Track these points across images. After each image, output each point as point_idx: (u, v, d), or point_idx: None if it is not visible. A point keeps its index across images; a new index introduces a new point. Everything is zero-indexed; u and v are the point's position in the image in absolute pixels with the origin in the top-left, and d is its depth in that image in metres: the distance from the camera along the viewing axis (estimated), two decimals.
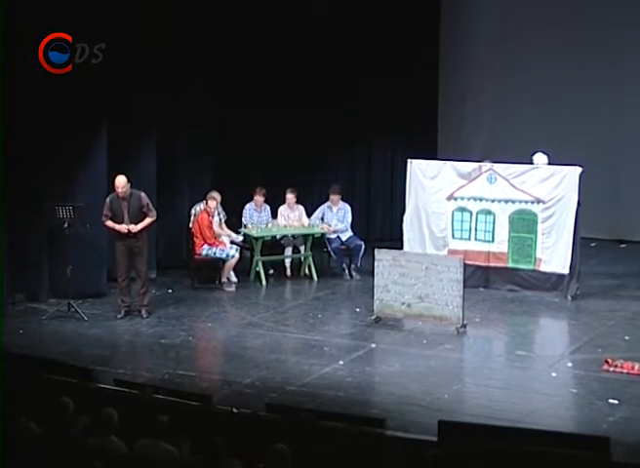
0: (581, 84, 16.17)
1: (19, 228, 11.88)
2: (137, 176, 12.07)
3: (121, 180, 11.32)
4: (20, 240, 11.93)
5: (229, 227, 13.81)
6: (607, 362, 9.58)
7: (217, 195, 13.28)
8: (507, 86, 16.79)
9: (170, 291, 12.98)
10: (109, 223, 11.42)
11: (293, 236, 13.90)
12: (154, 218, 11.61)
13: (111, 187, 11.64)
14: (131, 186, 11.42)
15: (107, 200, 11.45)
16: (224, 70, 14.54)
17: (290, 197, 13.98)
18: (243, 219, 14.00)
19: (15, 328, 10.96)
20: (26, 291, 12.16)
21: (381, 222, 16.45)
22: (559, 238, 12.33)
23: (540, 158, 12.84)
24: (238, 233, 13.84)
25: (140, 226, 11.38)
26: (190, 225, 13.40)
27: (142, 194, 11.52)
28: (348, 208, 14.13)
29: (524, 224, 12.54)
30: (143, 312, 11.55)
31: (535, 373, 9.77)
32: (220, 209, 13.68)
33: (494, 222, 12.71)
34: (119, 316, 11.52)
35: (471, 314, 11.33)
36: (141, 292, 11.61)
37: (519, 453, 6.50)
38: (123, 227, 11.33)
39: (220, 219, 13.65)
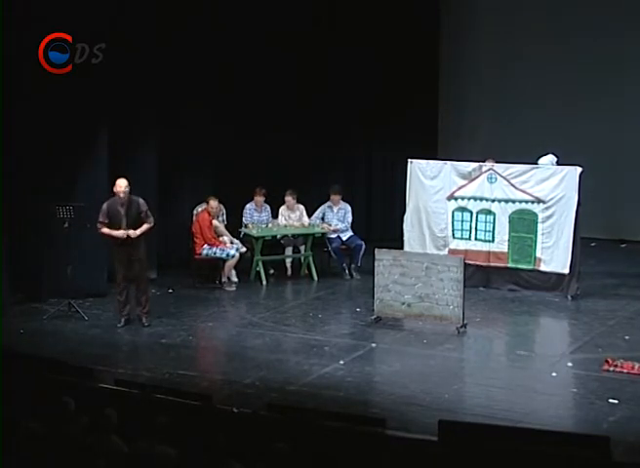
0: (581, 84, 16.20)
1: (19, 228, 11.88)
2: (137, 176, 12.07)
3: (123, 182, 11.11)
4: (21, 240, 11.93)
5: (229, 232, 13.76)
6: (607, 361, 9.58)
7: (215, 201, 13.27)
8: (507, 86, 16.81)
9: (170, 290, 12.99)
10: (105, 230, 11.14)
11: (293, 236, 13.90)
12: (152, 225, 11.34)
13: (112, 187, 11.62)
14: (130, 191, 11.19)
15: (104, 206, 11.15)
16: (225, 71, 14.55)
17: (289, 200, 13.96)
18: (243, 219, 13.99)
19: (15, 327, 10.96)
20: (27, 290, 12.16)
21: (382, 222, 16.45)
22: (559, 238, 12.34)
23: (550, 159, 12.79)
24: (239, 233, 13.83)
25: (138, 232, 11.13)
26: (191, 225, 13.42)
27: (141, 200, 11.28)
28: (349, 208, 14.14)
29: (524, 224, 12.54)
30: (144, 320, 11.33)
31: (535, 373, 9.77)
32: (223, 213, 13.67)
33: (494, 222, 12.71)
34: (119, 325, 11.27)
35: (472, 314, 11.33)
36: (142, 299, 11.40)
37: (519, 453, 6.49)
38: (121, 233, 11.07)
39: (220, 222, 13.63)
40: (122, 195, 11.13)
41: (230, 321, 11.84)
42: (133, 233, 11.10)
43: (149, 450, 6.56)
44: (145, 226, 11.24)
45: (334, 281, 13.65)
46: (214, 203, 13.16)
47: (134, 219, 11.17)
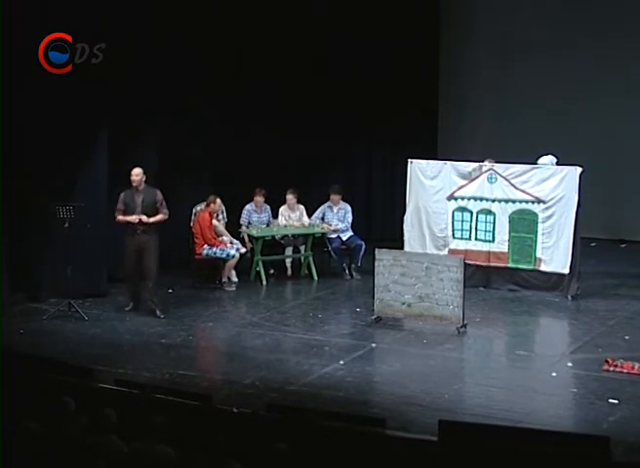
0: (582, 84, 16.20)
1: (19, 228, 11.88)
2: None
3: (137, 170, 11.49)
4: (21, 240, 11.93)
5: (229, 231, 13.76)
6: (607, 361, 9.58)
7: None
8: (508, 87, 16.82)
9: (170, 290, 12.98)
10: (120, 217, 11.45)
11: (293, 236, 13.90)
12: (166, 217, 11.62)
13: (112, 187, 11.63)
14: (146, 181, 11.56)
15: (121, 194, 11.53)
16: (225, 71, 14.54)
17: (290, 198, 13.97)
18: (241, 220, 13.97)
19: (15, 327, 10.95)
20: (27, 290, 12.16)
21: (382, 222, 16.46)
22: (559, 238, 12.34)
23: (549, 160, 12.78)
24: (239, 234, 13.82)
25: (151, 219, 11.41)
26: (191, 225, 13.40)
27: (158, 191, 11.62)
28: (349, 208, 14.14)
29: (524, 224, 12.55)
30: (158, 312, 11.55)
31: (535, 373, 9.77)
32: (223, 211, 13.66)
33: (494, 222, 12.72)
34: (127, 309, 11.64)
35: (472, 314, 11.33)
36: (151, 292, 11.60)
37: (519, 453, 6.49)
38: (134, 217, 11.34)
39: (219, 220, 13.63)
40: (135, 183, 11.42)
41: (230, 321, 11.82)
42: (145, 218, 11.35)
43: (149, 451, 6.56)
44: (160, 216, 11.50)
45: (334, 281, 13.65)
46: (219, 202, 13.17)
47: (149, 208, 11.47)
